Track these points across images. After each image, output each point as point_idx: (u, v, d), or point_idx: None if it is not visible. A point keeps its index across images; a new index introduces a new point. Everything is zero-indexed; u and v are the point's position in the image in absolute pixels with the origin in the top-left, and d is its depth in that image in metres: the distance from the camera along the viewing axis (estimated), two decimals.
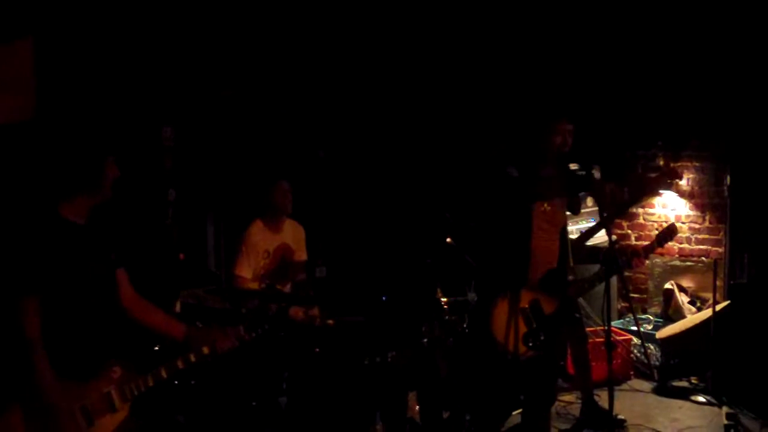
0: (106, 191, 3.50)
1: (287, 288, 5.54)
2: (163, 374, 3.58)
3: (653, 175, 7.44)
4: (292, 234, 5.62)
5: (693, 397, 6.20)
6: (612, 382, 4.19)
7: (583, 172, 4.17)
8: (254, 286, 5.30)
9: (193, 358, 3.64)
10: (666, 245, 7.14)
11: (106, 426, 3.42)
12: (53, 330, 3.33)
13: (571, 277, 4.17)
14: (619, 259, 4.27)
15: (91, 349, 3.46)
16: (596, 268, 4.58)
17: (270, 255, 5.44)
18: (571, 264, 4.20)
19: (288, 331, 4.92)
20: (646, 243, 4.91)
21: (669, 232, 4.77)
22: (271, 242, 5.46)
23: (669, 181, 7.33)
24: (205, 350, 3.67)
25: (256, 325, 3.77)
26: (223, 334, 3.71)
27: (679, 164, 7.31)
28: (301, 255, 5.65)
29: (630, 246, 4.59)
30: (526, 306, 4.26)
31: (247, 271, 5.33)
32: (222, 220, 6.81)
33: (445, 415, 5.03)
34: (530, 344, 4.01)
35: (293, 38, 6.84)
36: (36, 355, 3.26)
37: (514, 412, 4.69)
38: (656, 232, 6.34)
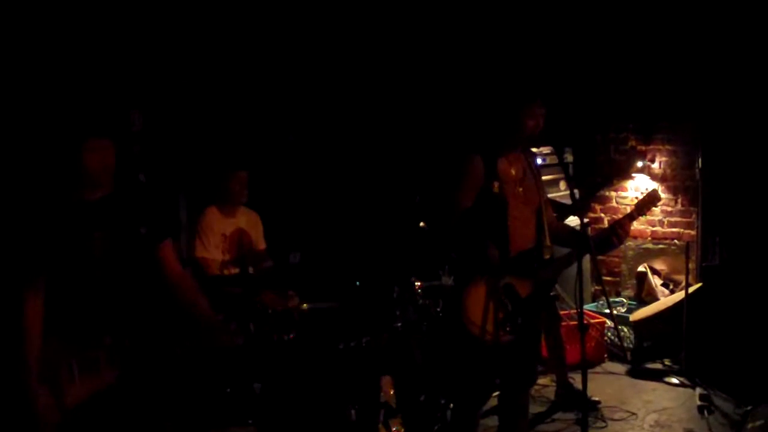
0: (97, 181, 3.36)
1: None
2: None
3: (623, 158, 7.48)
4: (247, 219, 5.59)
5: (666, 379, 6.25)
6: (586, 365, 4.16)
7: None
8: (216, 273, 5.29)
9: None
10: (638, 227, 7.34)
11: (90, 385, 3.36)
12: (54, 297, 3.31)
13: (547, 257, 4.09)
14: (610, 237, 4.12)
15: (85, 320, 3.36)
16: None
17: (227, 239, 5.42)
18: (548, 243, 4.11)
19: (263, 317, 4.89)
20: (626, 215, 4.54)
21: (651, 199, 4.45)
22: (227, 226, 5.44)
23: (639, 164, 7.36)
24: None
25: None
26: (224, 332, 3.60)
27: (650, 147, 7.35)
28: (260, 242, 5.63)
29: (610, 226, 4.25)
30: (500, 290, 4.18)
31: (207, 252, 5.32)
32: (195, 204, 6.72)
33: (421, 399, 5.01)
34: (508, 329, 3.94)
35: (263, 22, 6.77)
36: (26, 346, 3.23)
37: (494, 394, 4.66)
38: None
